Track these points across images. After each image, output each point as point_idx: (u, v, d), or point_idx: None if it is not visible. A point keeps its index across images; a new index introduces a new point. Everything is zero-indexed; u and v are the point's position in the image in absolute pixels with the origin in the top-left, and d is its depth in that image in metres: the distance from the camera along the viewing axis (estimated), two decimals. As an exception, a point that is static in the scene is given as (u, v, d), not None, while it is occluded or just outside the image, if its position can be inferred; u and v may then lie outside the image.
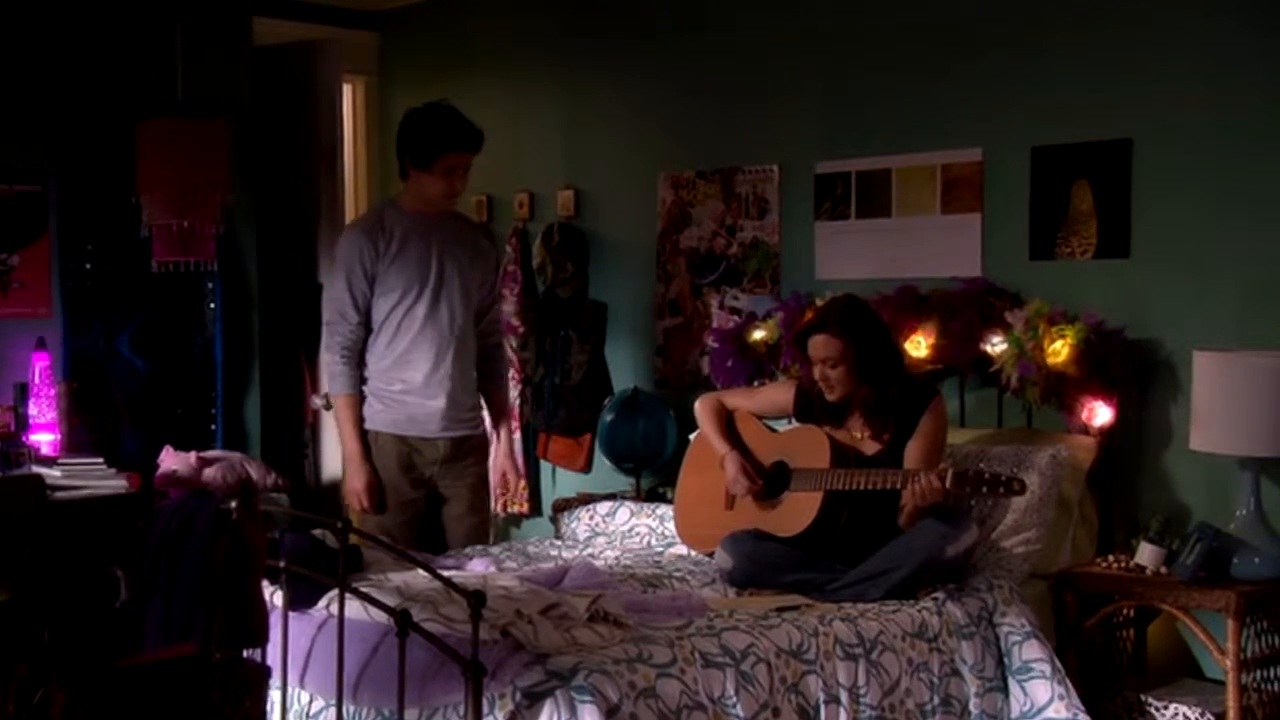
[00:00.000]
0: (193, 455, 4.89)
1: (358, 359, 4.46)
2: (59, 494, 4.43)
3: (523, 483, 5.44)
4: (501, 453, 4.70)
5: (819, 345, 3.98)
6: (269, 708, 3.33)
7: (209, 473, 4.84)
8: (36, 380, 4.94)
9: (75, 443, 4.97)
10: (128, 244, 5.22)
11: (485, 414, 4.68)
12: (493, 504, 4.84)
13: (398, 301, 4.41)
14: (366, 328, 4.45)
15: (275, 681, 3.27)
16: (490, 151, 6.07)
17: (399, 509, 4.47)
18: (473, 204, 6.06)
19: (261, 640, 2.19)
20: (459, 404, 4.49)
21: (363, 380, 4.48)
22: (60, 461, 4.66)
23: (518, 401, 5.64)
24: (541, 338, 5.65)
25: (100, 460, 4.68)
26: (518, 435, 5.60)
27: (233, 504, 2.57)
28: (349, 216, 6.25)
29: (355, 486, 4.43)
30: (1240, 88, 4.03)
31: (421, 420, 4.45)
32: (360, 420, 4.45)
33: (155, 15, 5.37)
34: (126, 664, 2.01)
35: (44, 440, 4.89)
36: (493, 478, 4.70)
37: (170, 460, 4.87)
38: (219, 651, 2.07)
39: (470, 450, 4.55)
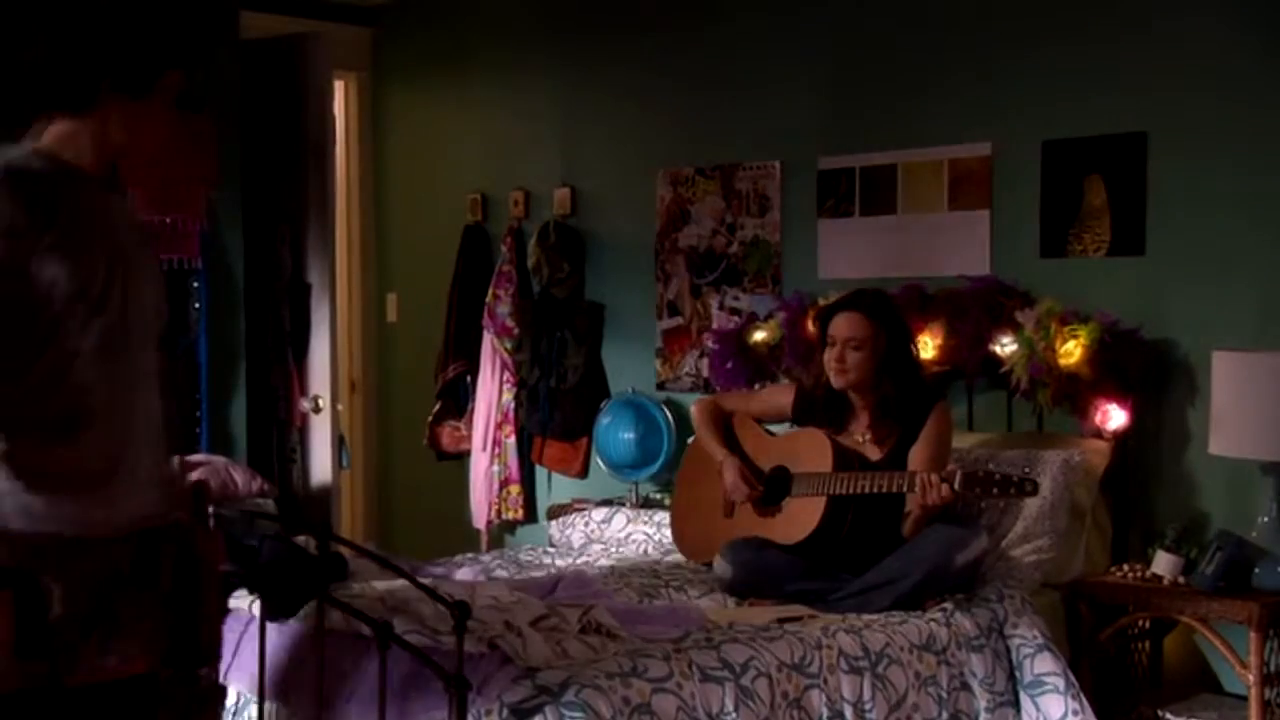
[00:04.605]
0: (175, 459, 4.78)
1: None
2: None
3: None
4: None
5: (848, 323, 3.91)
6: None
7: (192, 477, 4.73)
8: (14, 381, 4.83)
9: (54, 446, 4.86)
10: (110, 241, 5.10)
11: None
12: None
13: None
14: None
15: (252, 695, 3.18)
16: (485, 149, 6.07)
17: None
18: (467, 202, 5.99)
19: (213, 657, 2.07)
20: None
21: None
22: (38, 465, 4.54)
23: (512, 405, 5.54)
24: (537, 340, 5.59)
25: (80, 463, 4.57)
26: None
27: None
28: (339, 216, 6.17)
29: None
30: (1258, 79, 3.96)
31: None
32: None
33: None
34: (68, 683, 1.88)
35: (22, 443, 4.77)
36: None
37: (152, 464, 4.76)
38: (167, 669, 1.95)
39: None
